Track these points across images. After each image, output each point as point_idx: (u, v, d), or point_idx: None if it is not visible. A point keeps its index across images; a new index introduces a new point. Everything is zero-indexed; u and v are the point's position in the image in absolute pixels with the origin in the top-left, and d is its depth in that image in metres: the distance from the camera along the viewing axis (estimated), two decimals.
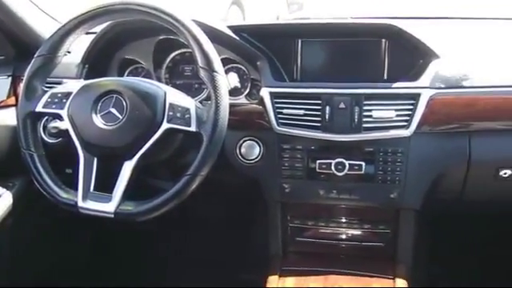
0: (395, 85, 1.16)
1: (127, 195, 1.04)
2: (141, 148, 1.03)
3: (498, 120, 1.16)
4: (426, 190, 1.19)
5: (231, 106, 1.08)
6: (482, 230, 1.62)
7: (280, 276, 1.23)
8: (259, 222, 1.43)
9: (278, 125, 1.19)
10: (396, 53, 1.22)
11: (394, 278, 1.19)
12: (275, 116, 1.19)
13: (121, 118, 1.05)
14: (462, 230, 1.59)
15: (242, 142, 1.26)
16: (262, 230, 1.38)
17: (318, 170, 1.19)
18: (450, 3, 1.77)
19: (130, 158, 1.03)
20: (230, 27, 1.26)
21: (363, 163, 1.17)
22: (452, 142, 1.17)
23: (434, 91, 1.13)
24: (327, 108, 1.16)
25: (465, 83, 1.15)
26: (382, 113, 1.14)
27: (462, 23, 1.52)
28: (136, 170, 1.04)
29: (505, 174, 1.18)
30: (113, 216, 1.03)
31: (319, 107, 1.17)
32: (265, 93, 1.21)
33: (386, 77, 1.23)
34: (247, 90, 1.30)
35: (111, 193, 1.04)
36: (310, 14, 1.77)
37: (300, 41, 1.27)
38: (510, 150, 1.18)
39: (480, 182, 1.22)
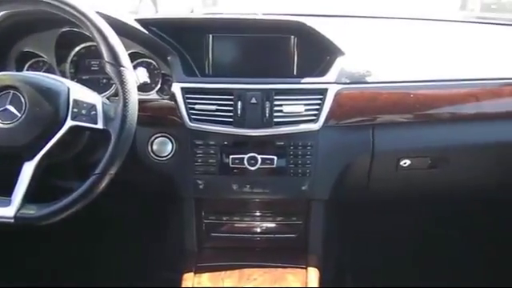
0: (304, 80, 1.20)
1: (29, 198, 0.97)
2: (42, 147, 0.97)
3: (397, 113, 1.24)
4: (335, 181, 1.24)
5: (141, 101, 1.05)
6: (389, 217, 1.72)
7: (195, 273, 1.22)
8: (174, 218, 1.42)
9: (190, 120, 1.18)
10: (305, 49, 1.26)
11: (306, 268, 1.22)
12: (187, 112, 1.18)
13: (19, 115, 0.98)
14: (370, 217, 1.68)
15: (153, 138, 1.23)
16: (177, 227, 1.36)
17: (231, 165, 1.19)
18: (357, 2, 1.86)
19: (31, 158, 0.97)
20: (138, 20, 1.23)
21: (275, 157, 1.19)
22: (357, 134, 1.24)
23: (340, 86, 1.18)
24: (239, 103, 1.17)
25: (368, 79, 1.21)
26: (292, 107, 1.17)
27: (366, 21, 1.60)
28: (38, 171, 0.97)
29: (404, 163, 1.27)
30: (13, 221, 0.97)
31: (231, 102, 1.18)
32: (176, 88, 1.19)
33: (295, 72, 1.26)
34: (158, 86, 1.27)
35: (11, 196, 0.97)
36: (224, 9, 1.78)
37: (211, 36, 1.26)
38: (409, 142, 1.26)
39: (383, 171, 1.29)
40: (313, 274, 1.20)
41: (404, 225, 1.73)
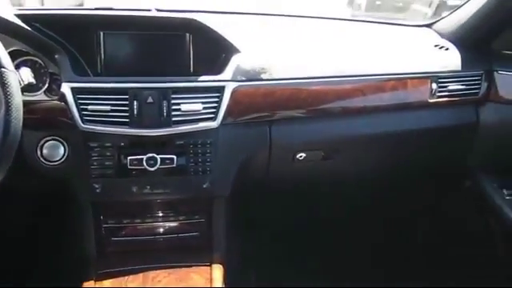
0: (201, 78, 1.20)
1: None
2: None
3: (292, 109, 1.29)
4: (235, 177, 1.26)
5: (28, 103, 0.98)
6: (289, 208, 1.79)
7: (96, 280, 1.18)
8: (72, 224, 1.35)
9: (82, 122, 1.12)
10: (200, 47, 1.25)
11: (210, 265, 1.23)
12: (79, 113, 1.12)
13: None
14: (271, 209, 1.73)
15: (43, 142, 1.16)
16: (75, 233, 1.29)
17: (129, 167, 1.16)
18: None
19: None
20: (19, 15, 1.13)
21: (175, 157, 1.18)
22: (255, 130, 1.27)
23: (236, 84, 1.20)
24: (135, 103, 1.14)
25: (263, 76, 1.24)
26: (190, 106, 1.16)
27: (261, 19, 1.63)
28: None
29: (300, 156, 1.33)
30: None
31: (126, 102, 1.14)
32: (66, 88, 1.12)
33: (192, 70, 1.25)
34: (46, 86, 1.18)
35: None
36: (117, 2, 1.70)
37: (102, 33, 1.21)
38: (303, 136, 1.32)
39: (281, 165, 1.34)
40: (217, 271, 1.22)
41: (304, 214, 1.81)
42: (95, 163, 1.16)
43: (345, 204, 1.78)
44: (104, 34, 1.21)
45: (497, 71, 1.47)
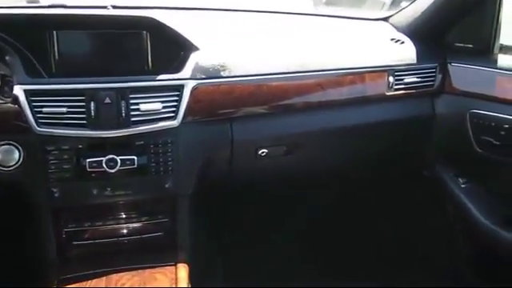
0: (160, 77, 1.18)
1: None
2: None
3: (253, 105, 1.29)
4: (197, 175, 1.26)
5: None
6: (254, 204, 1.80)
7: (58, 286, 1.15)
8: (32, 230, 1.31)
9: (37, 125, 1.09)
10: (158, 45, 1.23)
11: (175, 265, 1.23)
12: (33, 116, 1.09)
13: None
14: (236, 206, 1.74)
15: None
16: (35, 238, 1.26)
17: (88, 170, 1.14)
18: None
19: None
20: None
21: (135, 157, 1.16)
22: (216, 128, 1.26)
23: (195, 82, 1.19)
24: (92, 104, 1.11)
25: (223, 73, 1.24)
26: (149, 105, 1.15)
27: (220, 14, 1.62)
28: None
29: (263, 153, 1.34)
30: None
31: (83, 103, 1.11)
32: (18, 91, 1.09)
33: (150, 69, 1.23)
34: None
35: None
36: None
37: (55, 32, 1.17)
38: (265, 132, 1.33)
39: (244, 161, 1.35)
40: (182, 271, 1.21)
41: (269, 212, 1.82)
42: (53, 167, 1.13)
43: (307, 199, 1.80)
44: (57, 33, 1.17)
45: (450, 63, 1.51)
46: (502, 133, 1.36)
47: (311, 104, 1.37)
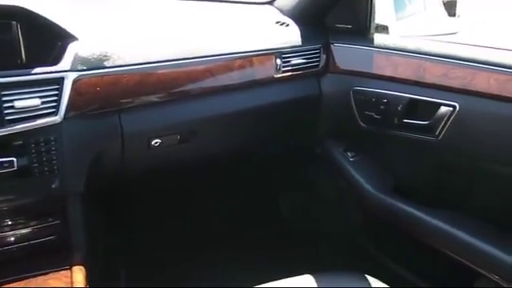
0: (35, 71, 1.09)
1: None
2: None
3: (142, 95, 1.25)
4: (88, 172, 1.19)
5: None
6: (152, 199, 1.76)
7: None
8: None
9: None
10: (32, 36, 1.13)
11: (70, 268, 1.16)
12: None
13: None
14: (133, 202, 1.69)
15: None
16: None
17: None
18: None
19: None
20: None
21: (14, 159, 1.07)
22: (104, 121, 1.20)
23: (76, 74, 1.11)
24: None
25: (107, 63, 1.17)
26: (25, 102, 1.06)
27: (102, 1, 1.54)
28: None
29: (156, 143, 1.31)
30: None
31: None
32: None
33: (24, 63, 1.13)
34: None
35: None
36: None
37: None
38: (157, 121, 1.30)
39: (136, 154, 1.30)
40: (78, 274, 1.15)
41: (171, 206, 1.79)
42: None
43: (208, 187, 1.80)
44: None
45: (333, 44, 1.59)
46: (382, 107, 1.46)
47: (203, 90, 1.36)
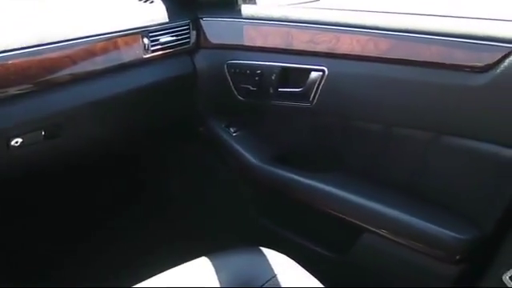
0: None
1: None
2: None
3: None
4: None
5: None
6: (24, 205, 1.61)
7: None
8: None
9: None
10: None
11: None
12: None
13: None
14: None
15: None
16: None
17: None
18: None
19: None
20: None
21: None
22: None
23: None
24: None
25: None
26: None
27: None
28: None
29: (16, 142, 1.17)
30: None
31: None
32: None
33: None
34: None
35: None
36: None
37: None
38: (12, 118, 1.15)
39: None
40: None
41: (42, 205, 1.65)
42: None
43: (87, 183, 1.69)
44: None
45: (202, 18, 1.54)
46: (257, 78, 1.46)
47: (63, 79, 1.24)
